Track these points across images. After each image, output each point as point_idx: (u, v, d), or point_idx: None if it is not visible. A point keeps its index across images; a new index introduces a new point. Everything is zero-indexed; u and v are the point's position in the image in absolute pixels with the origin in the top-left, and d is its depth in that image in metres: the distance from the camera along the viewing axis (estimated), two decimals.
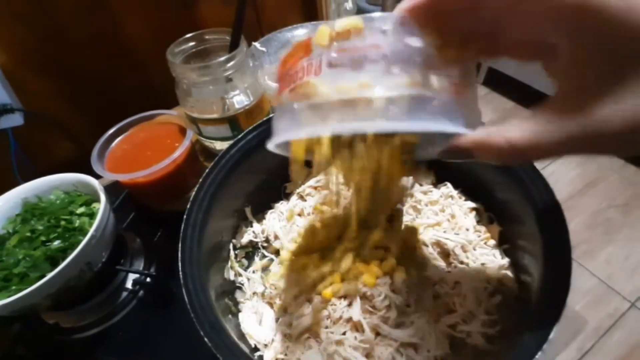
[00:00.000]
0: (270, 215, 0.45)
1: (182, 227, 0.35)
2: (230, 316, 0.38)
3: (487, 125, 0.21)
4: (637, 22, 0.15)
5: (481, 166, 0.39)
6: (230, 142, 0.40)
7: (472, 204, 0.42)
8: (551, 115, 0.18)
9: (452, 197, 0.42)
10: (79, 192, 0.46)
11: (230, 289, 0.41)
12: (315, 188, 0.46)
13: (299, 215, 0.43)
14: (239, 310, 0.38)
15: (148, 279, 0.47)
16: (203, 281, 0.34)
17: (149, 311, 0.45)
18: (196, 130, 0.55)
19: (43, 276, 0.35)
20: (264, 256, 0.44)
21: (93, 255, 0.40)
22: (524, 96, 1.45)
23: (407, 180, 0.43)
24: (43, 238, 0.40)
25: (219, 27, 0.53)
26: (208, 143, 0.57)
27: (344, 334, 0.34)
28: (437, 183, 0.45)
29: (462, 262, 0.38)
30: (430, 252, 0.38)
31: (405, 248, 0.38)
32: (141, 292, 0.46)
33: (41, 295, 0.36)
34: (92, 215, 0.43)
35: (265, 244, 0.44)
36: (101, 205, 0.40)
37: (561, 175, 1.27)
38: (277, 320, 0.37)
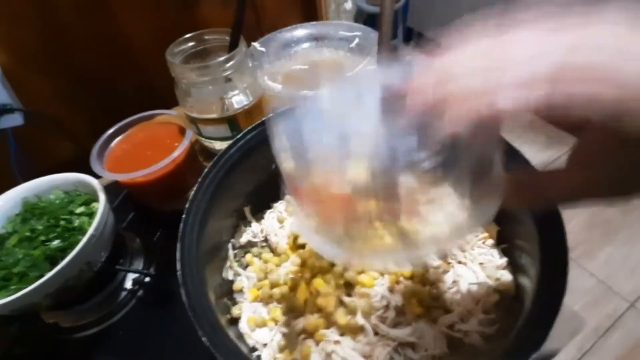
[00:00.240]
0: (269, 215, 0.45)
1: (181, 227, 0.35)
2: (228, 316, 0.38)
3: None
4: None
5: None
6: (230, 142, 0.40)
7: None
8: None
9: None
10: (79, 192, 0.46)
11: (229, 288, 0.41)
12: None
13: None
14: (237, 310, 0.38)
15: (147, 279, 0.47)
16: (202, 281, 0.34)
17: (149, 311, 0.45)
18: (195, 130, 0.55)
19: (42, 276, 0.36)
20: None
21: (92, 255, 0.40)
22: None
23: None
24: (42, 238, 0.41)
25: (219, 27, 0.54)
26: (207, 143, 0.57)
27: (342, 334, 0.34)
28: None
29: (460, 262, 0.38)
30: None
31: None
32: (140, 292, 0.47)
33: (41, 295, 0.36)
34: (91, 215, 0.43)
35: (264, 244, 0.44)
36: (100, 205, 0.40)
37: None
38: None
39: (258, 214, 0.46)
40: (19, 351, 0.44)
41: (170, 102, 0.59)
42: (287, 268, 0.39)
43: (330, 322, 0.34)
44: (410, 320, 0.34)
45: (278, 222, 0.44)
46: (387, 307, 0.34)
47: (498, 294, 0.35)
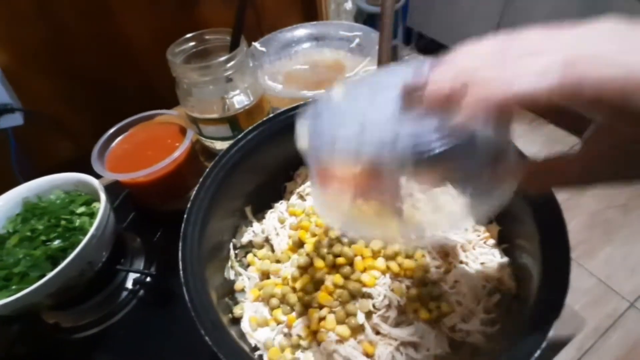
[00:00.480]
0: (270, 215, 0.45)
1: (182, 227, 0.35)
2: (230, 315, 0.38)
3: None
4: None
5: None
6: (231, 141, 0.40)
7: None
8: None
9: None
10: (79, 192, 0.46)
11: (231, 288, 0.41)
12: None
13: (295, 215, 0.43)
14: (239, 310, 0.38)
15: (148, 279, 0.47)
16: (203, 280, 0.34)
17: (149, 311, 0.45)
18: (196, 130, 0.55)
19: (43, 276, 0.35)
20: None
21: (93, 255, 0.40)
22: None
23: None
24: (43, 238, 0.40)
25: (219, 27, 0.54)
26: (208, 143, 0.57)
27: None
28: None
29: (461, 262, 0.38)
30: (429, 251, 0.38)
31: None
32: (141, 292, 0.47)
33: (41, 295, 0.36)
34: (92, 215, 0.43)
35: (265, 244, 0.44)
36: (101, 205, 0.40)
37: None
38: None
39: (259, 214, 0.46)
40: (19, 351, 0.44)
41: (170, 102, 0.59)
42: (288, 269, 0.39)
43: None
44: (412, 319, 0.34)
45: (279, 222, 0.44)
46: (388, 306, 0.34)
47: (499, 293, 0.35)
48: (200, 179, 0.38)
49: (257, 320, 0.37)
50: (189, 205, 0.36)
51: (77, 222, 0.42)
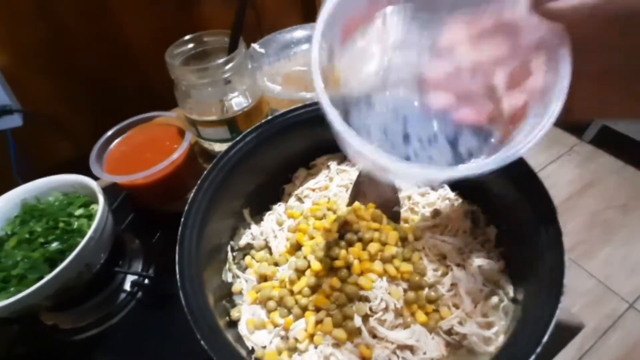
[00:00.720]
0: (268, 217, 0.45)
1: (180, 229, 0.35)
2: (227, 318, 0.38)
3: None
4: None
5: None
6: (229, 143, 0.40)
7: (468, 207, 0.42)
8: None
9: (449, 199, 0.43)
10: (78, 194, 0.46)
11: (228, 290, 0.41)
12: (314, 190, 0.46)
13: (293, 217, 0.43)
14: (236, 312, 0.38)
15: (146, 281, 0.47)
16: (201, 283, 0.34)
17: (148, 312, 0.46)
18: (195, 132, 0.55)
19: (42, 278, 0.36)
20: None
21: (91, 257, 0.40)
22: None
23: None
24: (42, 240, 0.41)
25: (218, 28, 0.54)
26: (207, 145, 0.57)
27: None
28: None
29: (458, 265, 0.38)
30: (427, 254, 0.38)
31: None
32: (140, 294, 0.47)
33: (40, 297, 0.36)
34: (90, 217, 0.43)
35: (263, 246, 0.44)
36: (100, 207, 0.40)
37: (560, 176, 1.27)
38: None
39: (257, 216, 0.46)
40: (18, 353, 0.44)
41: (170, 102, 0.59)
42: (286, 271, 0.39)
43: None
44: (409, 323, 0.34)
45: (277, 225, 0.44)
46: (385, 309, 0.34)
47: (496, 296, 0.35)
48: (199, 181, 0.38)
49: (254, 323, 0.37)
50: (186, 208, 0.36)
51: (75, 224, 0.42)
